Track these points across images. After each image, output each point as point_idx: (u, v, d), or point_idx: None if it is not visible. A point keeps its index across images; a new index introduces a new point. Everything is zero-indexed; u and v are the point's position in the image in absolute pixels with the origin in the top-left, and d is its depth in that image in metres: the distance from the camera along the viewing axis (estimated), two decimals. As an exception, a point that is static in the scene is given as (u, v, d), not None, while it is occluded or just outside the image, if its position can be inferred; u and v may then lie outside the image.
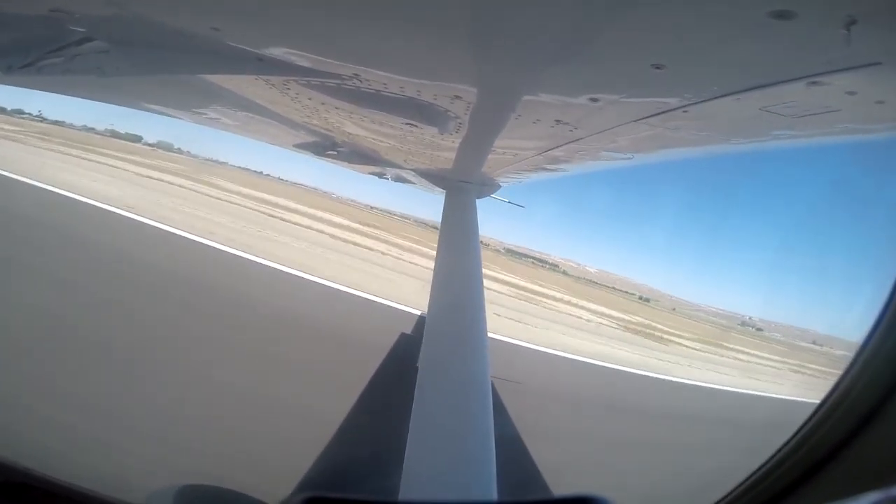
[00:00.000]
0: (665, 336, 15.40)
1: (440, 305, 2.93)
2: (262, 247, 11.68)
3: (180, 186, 15.34)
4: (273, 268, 10.35)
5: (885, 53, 1.08)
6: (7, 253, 6.55)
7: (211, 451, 3.83)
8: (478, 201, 4.51)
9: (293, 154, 6.10)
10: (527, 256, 19.42)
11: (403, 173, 5.70)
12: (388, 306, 9.68)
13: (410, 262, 14.68)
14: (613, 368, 10.87)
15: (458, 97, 2.13)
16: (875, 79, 1.19)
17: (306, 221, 16.17)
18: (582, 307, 16.33)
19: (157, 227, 10.67)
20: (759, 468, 1.47)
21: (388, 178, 6.74)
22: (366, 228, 17.75)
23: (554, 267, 19.50)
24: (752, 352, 15.22)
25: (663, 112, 1.76)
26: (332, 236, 15.49)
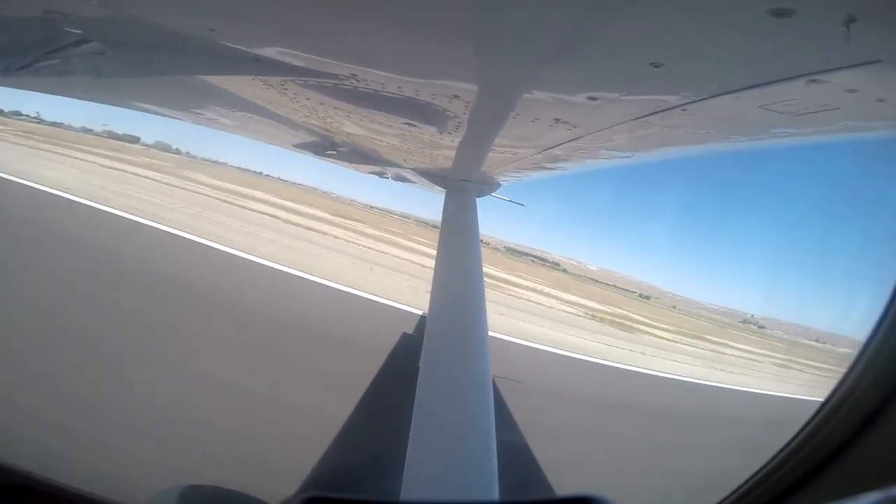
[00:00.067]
0: (636, 326, 14.99)
1: (441, 305, 2.93)
2: (259, 245, 11.69)
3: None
4: (272, 268, 10.36)
5: (884, 51, 1.08)
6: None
7: (212, 452, 3.84)
8: (478, 200, 4.51)
9: (292, 154, 6.10)
10: (527, 255, 19.39)
11: (403, 172, 5.70)
12: (386, 305, 9.71)
13: (381, 253, 14.56)
14: (549, 350, 10.50)
15: (456, 96, 2.12)
16: (875, 76, 1.19)
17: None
18: (553, 297, 15.93)
19: (156, 228, 10.68)
20: (762, 468, 1.47)
21: (388, 178, 6.74)
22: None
23: (555, 265, 19.48)
24: (735, 345, 14.89)
25: (662, 110, 1.75)
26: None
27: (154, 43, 2.22)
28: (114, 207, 11.07)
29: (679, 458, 6.48)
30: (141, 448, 3.57)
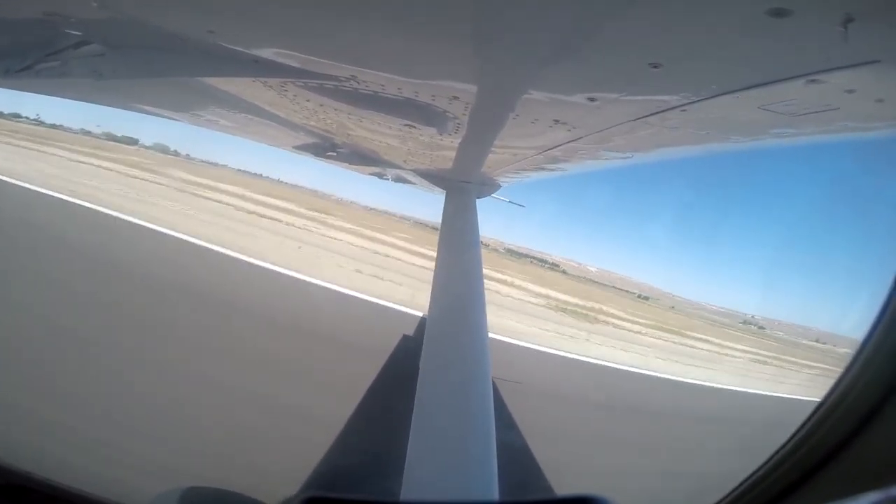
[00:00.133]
0: (601, 317, 14.49)
1: (441, 306, 2.93)
2: (253, 245, 11.67)
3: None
4: (272, 268, 10.36)
5: (883, 51, 1.08)
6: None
7: (212, 453, 3.83)
8: (478, 201, 4.51)
9: (292, 155, 6.10)
10: (526, 256, 19.35)
11: (403, 174, 5.70)
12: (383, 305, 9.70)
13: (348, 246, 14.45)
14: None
15: (456, 97, 2.13)
16: (874, 76, 1.19)
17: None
18: (519, 287, 15.50)
19: (155, 229, 10.67)
20: (759, 468, 1.47)
21: (388, 179, 6.75)
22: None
23: (554, 266, 19.43)
24: (717, 341, 14.40)
25: (662, 111, 1.75)
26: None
27: (154, 45, 2.23)
28: (113, 209, 11.06)
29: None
30: (141, 449, 3.57)
